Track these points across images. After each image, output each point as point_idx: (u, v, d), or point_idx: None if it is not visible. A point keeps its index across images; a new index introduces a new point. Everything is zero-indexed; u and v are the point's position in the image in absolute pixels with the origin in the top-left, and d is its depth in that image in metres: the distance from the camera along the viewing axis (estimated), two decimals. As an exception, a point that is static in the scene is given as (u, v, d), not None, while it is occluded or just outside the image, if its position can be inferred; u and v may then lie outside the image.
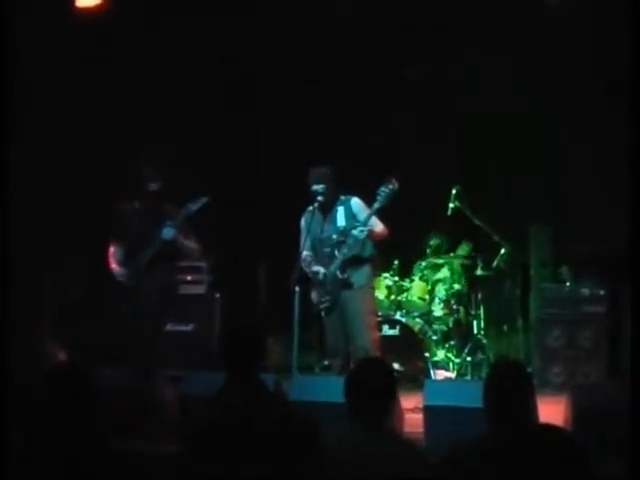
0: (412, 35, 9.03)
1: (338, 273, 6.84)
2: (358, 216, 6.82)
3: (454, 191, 8.42)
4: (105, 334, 7.39)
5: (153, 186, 6.96)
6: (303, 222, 7.06)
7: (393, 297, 8.65)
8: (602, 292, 8.17)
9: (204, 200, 6.89)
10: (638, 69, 4.92)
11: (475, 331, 8.61)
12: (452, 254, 8.82)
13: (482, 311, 8.66)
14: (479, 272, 8.63)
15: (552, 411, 5.73)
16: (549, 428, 3.62)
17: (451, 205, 8.41)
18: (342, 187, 6.94)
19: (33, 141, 7.69)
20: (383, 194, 6.65)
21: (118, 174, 7.67)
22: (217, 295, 8.66)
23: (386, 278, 8.64)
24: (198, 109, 9.27)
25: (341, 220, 6.88)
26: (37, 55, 7.54)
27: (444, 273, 8.79)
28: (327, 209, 6.95)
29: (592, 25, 8.16)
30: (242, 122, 9.45)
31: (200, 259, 8.37)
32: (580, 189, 8.56)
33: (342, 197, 6.95)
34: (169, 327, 7.78)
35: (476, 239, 8.74)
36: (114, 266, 7.07)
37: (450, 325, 8.62)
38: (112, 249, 7.11)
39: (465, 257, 8.83)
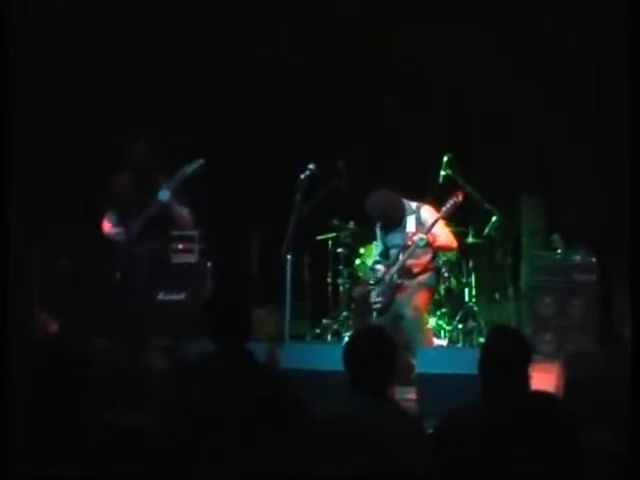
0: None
1: (395, 277, 6.95)
2: (425, 224, 7.02)
3: (445, 159, 8.39)
4: (96, 304, 7.40)
5: (145, 161, 6.95)
6: (377, 230, 7.39)
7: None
8: (593, 260, 8.19)
9: (200, 162, 6.88)
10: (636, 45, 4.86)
11: (466, 299, 8.61)
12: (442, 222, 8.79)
13: (473, 279, 8.65)
14: (470, 240, 8.62)
15: (542, 379, 5.72)
16: (542, 395, 3.63)
17: (442, 173, 8.38)
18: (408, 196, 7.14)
19: (26, 116, 7.65)
20: (448, 206, 6.94)
21: (111, 147, 7.66)
22: (208, 264, 8.65)
23: (377, 245, 8.64)
24: (192, 83, 9.24)
25: (410, 227, 7.10)
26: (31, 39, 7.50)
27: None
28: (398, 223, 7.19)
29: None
30: (237, 91, 9.40)
31: (192, 228, 8.35)
32: (572, 158, 8.54)
33: (414, 206, 7.14)
34: (160, 296, 7.77)
35: (467, 207, 8.72)
36: (107, 228, 7.06)
37: (441, 293, 8.60)
38: (106, 216, 7.10)
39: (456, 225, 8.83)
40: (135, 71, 8.78)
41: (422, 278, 7.18)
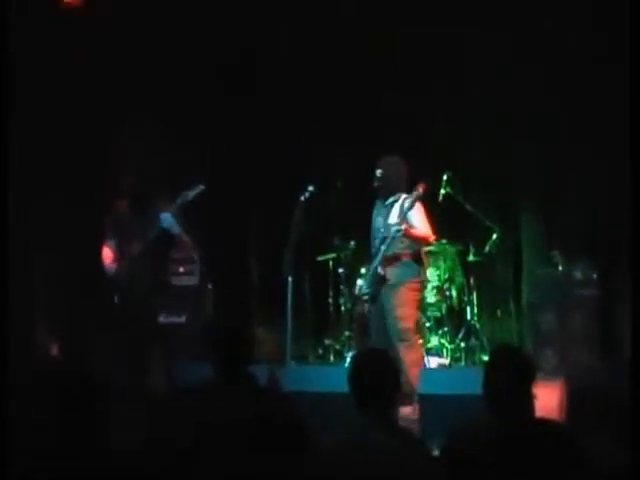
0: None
1: (379, 269, 6.90)
2: (407, 215, 6.84)
3: (445, 177, 8.42)
4: (99, 327, 7.40)
5: (142, 187, 6.98)
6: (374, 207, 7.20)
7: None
8: (594, 275, 8.18)
9: (201, 188, 6.90)
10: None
11: (468, 316, 8.61)
12: (444, 240, 8.77)
13: (475, 296, 8.65)
14: (471, 258, 8.64)
15: (545, 395, 5.71)
16: (550, 424, 3.64)
17: (442, 191, 8.41)
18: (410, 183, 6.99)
19: (26, 141, 7.64)
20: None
21: (107, 175, 7.68)
22: (209, 286, 8.65)
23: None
24: (189, 100, 9.24)
25: (393, 217, 6.90)
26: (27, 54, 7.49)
27: (437, 260, 8.75)
28: (385, 200, 7.02)
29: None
30: (233, 113, 9.39)
31: (193, 251, 8.39)
32: (572, 173, 8.54)
33: (404, 195, 6.93)
34: (162, 319, 7.77)
35: (468, 225, 8.73)
36: (108, 260, 7.07)
37: (443, 311, 8.61)
38: (106, 244, 7.11)
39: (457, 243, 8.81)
40: (134, 88, 8.77)
41: (404, 274, 7.04)
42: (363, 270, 7.68)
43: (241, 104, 9.32)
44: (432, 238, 7.03)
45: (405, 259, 6.93)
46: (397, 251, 6.89)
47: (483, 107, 8.89)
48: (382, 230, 6.94)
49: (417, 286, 7.04)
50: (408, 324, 6.79)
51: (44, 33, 7.95)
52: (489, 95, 8.82)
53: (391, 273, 6.89)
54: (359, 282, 7.19)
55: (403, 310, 6.83)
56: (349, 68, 9.07)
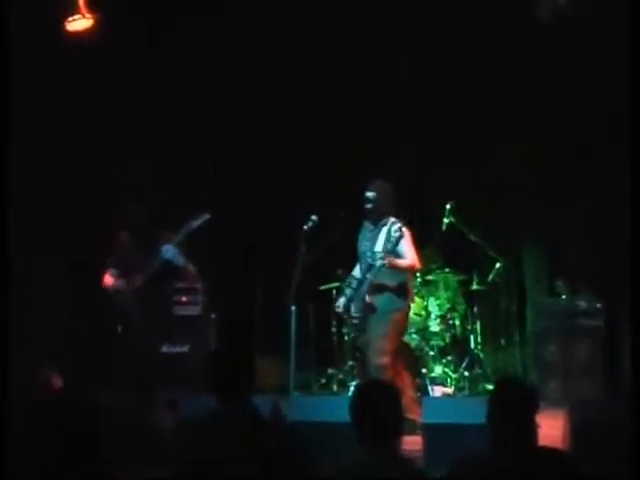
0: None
1: (367, 297, 6.92)
2: (393, 242, 6.81)
3: (448, 207, 8.43)
4: (100, 358, 7.39)
5: (146, 218, 6.99)
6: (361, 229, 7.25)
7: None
8: (598, 305, 8.17)
9: (205, 217, 6.90)
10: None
11: (472, 346, 8.61)
12: (447, 269, 8.78)
13: (479, 326, 8.66)
14: (475, 287, 8.64)
15: (548, 425, 5.70)
16: (553, 453, 3.63)
17: (446, 220, 8.43)
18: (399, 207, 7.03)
19: (27, 174, 7.66)
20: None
21: (109, 207, 7.69)
22: (212, 316, 8.64)
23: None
24: (192, 129, 9.28)
25: (379, 244, 6.93)
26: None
27: (439, 289, 8.76)
28: (374, 223, 7.06)
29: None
30: (235, 142, 9.42)
31: (197, 281, 8.39)
32: (576, 204, 8.55)
33: (392, 220, 6.95)
34: (165, 349, 7.76)
35: (471, 254, 8.73)
36: (109, 282, 7.04)
37: (447, 340, 8.60)
38: (108, 272, 7.10)
39: (459, 272, 8.80)
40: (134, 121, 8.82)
41: (390, 303, 7.00)
42: (347, 290, 7.59)
43: (243, 134, 9.35)
44: (418, 266, 7.05)
45: (391, 288, 6.96)
46: (383, 280, 6.93)
47: (486, 136, 8.95)
48: (368, 254, 6.98)
49: (402, 315, 7.11)
50: (382, 360, 6.82)
51: (44, 66, 7.97)
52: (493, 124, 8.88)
53: (377, 301, 6.94)
54: (341, 300, 7.22)
55: (381, 343, 6.88)
56: (351, 98, 9.12)
